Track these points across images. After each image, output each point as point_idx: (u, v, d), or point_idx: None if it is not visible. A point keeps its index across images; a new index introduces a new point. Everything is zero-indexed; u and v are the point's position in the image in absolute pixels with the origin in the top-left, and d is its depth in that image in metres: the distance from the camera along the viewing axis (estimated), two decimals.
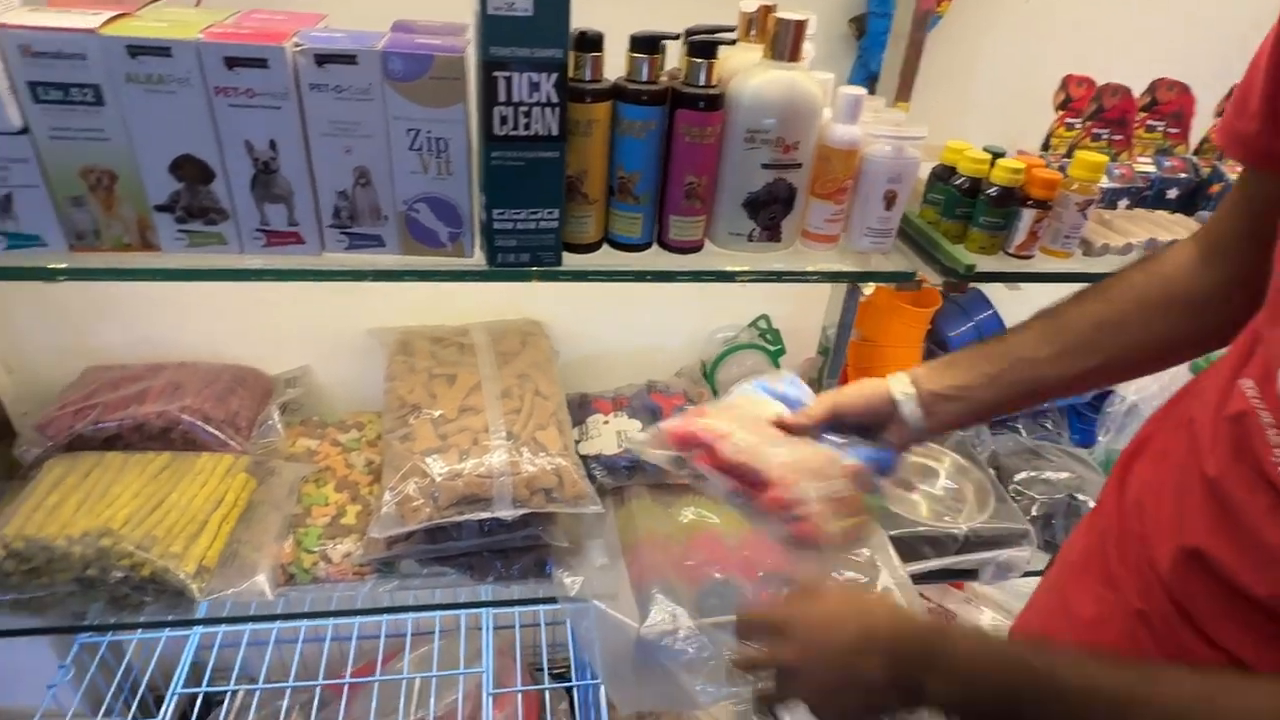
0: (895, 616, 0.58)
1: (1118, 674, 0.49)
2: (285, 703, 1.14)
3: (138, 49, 0.61)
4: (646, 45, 0.70)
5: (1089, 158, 0.82)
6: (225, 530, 0.94)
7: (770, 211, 0.78)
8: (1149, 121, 0.98)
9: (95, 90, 0.62)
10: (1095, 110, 0.93)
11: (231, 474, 0.99)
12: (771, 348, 1.21)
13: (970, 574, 1.08)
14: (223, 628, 1.14)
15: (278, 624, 1.15)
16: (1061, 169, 0.86)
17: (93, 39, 0.60)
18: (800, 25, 0.71)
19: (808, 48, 0.73)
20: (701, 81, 0.71)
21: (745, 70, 0.73)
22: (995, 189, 0.83)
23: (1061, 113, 0.96)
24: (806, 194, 0.79)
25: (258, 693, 1.18)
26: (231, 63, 0.62)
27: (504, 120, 0.66)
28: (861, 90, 0.75)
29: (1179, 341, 0.64)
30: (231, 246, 0.71)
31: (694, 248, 0.80)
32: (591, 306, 1.21)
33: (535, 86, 0.65)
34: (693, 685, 0.87)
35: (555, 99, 0.65)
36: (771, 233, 0.79)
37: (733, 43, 0.71)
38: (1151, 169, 0.95)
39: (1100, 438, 1.27)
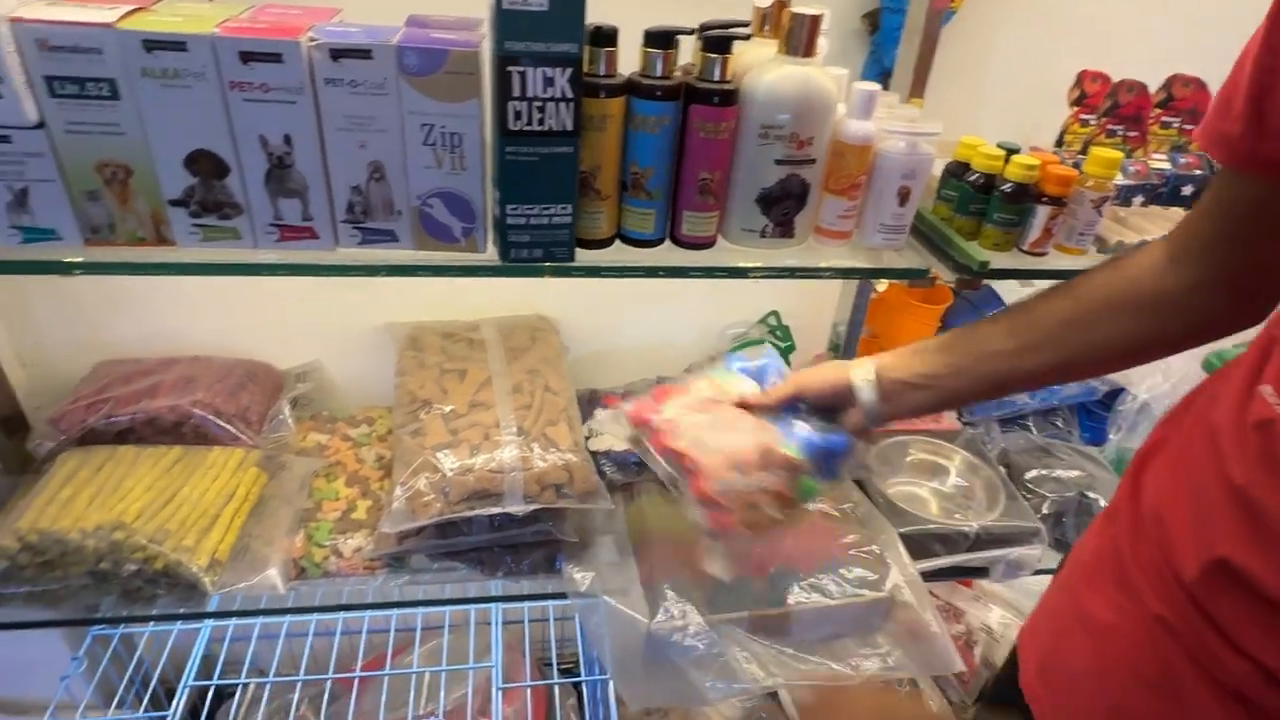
0: None
1: None
2: (296, 696, 1.14)
3: (153, 43, 0.61)
4: (661, 40, 0.70)
5: (1104, 154, 0.82)
6: (237, 524, 0.94)
7: (783, 207, 0.78)
8: (1164, 118, 0.98)
9: (111, 84, 0.62)
10: (1110, 106, 0.93)
11: (243, 468, 0.99)
12: (781, 344, 1.20)
13: (981, 572, 1.07)
14: (234, 621, 1.15)
15: (288, 618, 1.16)
16: (1076, 165, 0.85)
17: (109, 33, 0.60)
18: (815, 20, 0.70)
19: (821, 43, 0.73)
20: (716, 77, 0.71)
21: (760, 65, 0.73)
22: (1010, 185, 0.82)
23: (1076, 109, 0.96)
24: (820, 190, 0.79)
25: (268, 686, 1.18)
26: (246, 57, 0.62)
27: (518, 115, 0.66)
28: (876, 86, 0.75)
29: (1146, 341, 0.64)
30: (245, 241, 0.71)
31: (706, 243, 0.80)
32: (601, 302, 1.21)
33: (550, 81, 0.65)
34: (702, 681, 0.87)
35: (570, 94, 0.65)
36: (784, 229, 0.79)
37: (747, 38, 0.71)
38: (1167, 166, 0.94)
39: (1111, 436, 1.26)
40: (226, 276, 0.71)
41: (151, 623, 1.11)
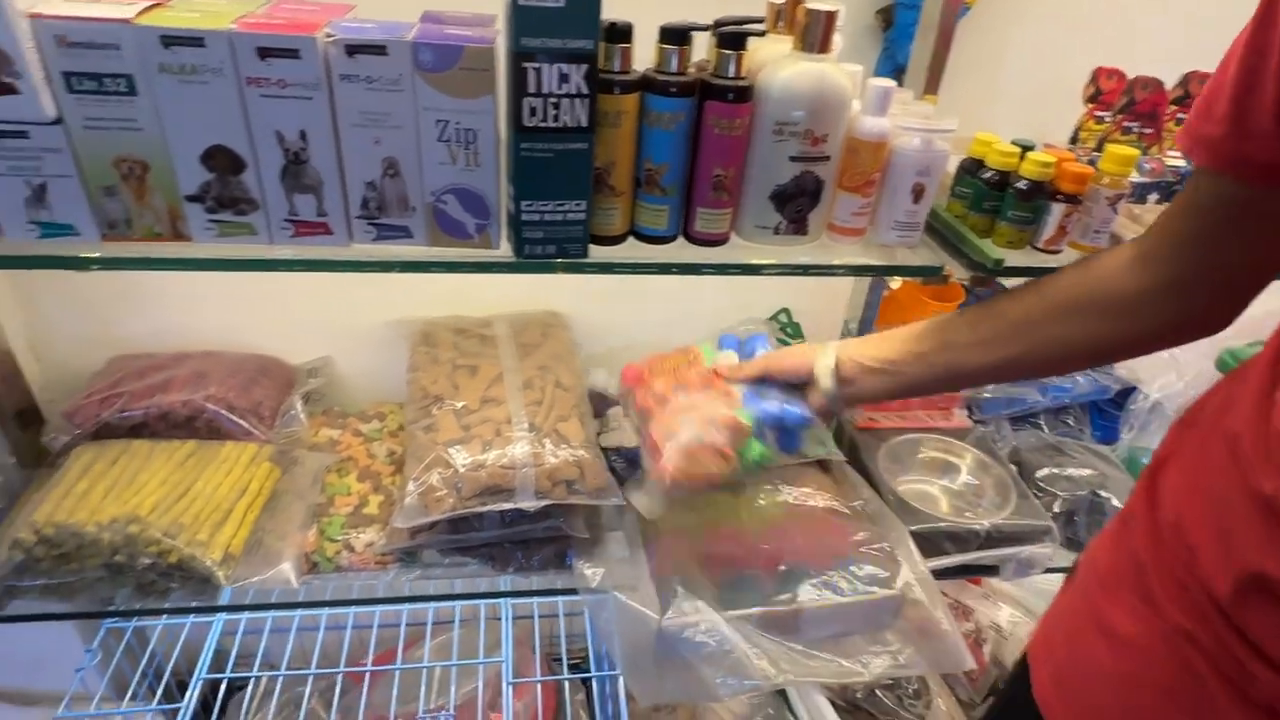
0: None
1: None
2: (307, 689, 1.15)
3: (171, 39, 0.61)
4: (676, 37, 0.69)
5: (1120, 151, 0.81)
6: (250, 519, 0.95)
7: (797, 204, 0.77)
8: (1180, 115, 0.97)
9: (129, 80, 0.62)
10: (1126, 103, 0.92)
11: (256, 463, 1.00)
12: (792, 341, 1.20)
13: (991, 570, 1.07)
14: (246, 615, 1.15)
15: (299, 612, 1.16)
16: (1091, 163, 0.85)
17: (127, 29, 0.60)
18: (831, 17, 0.70)
19: (835, 39, 0.73)
20: (731, 73, 0.71)
21: (774, 62, 0.72)
22: (1025, 183, 0.82)
23: (1091, 106, 0.95)
24: (834, 187, 0.79)
25: (280, 679, 1.19)
26: (264, 53, 0.62)
27: (533, 112, 0.66)
28: (891, 82, 0.75)
29: (1108, 341, 0.64)
30: (261, 237, 0.71)
31: (720, 240, 0.79)
32: (611, 299, 1.21)
33: (565, 78, 0.65)
34: (713, 678, 0.88)
35: (585, 90, 0.65)
36: (798, 226, 0.79)
37: (762, 34, 0.71)
38: (1182, 163, 0.94)
39: (1123, 435, 1.26)
40: (241, 272, 0.72)
41: (165, 616, 1.11)
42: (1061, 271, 0.66)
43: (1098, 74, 0.94)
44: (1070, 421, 1.29)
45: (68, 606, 0.91)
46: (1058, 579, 1.09)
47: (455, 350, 1.09)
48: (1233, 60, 0.51)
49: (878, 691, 1.33)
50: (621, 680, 1.10)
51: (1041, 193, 0.82)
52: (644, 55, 0.71)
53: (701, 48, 0.75)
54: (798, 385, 0.80)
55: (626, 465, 1.05)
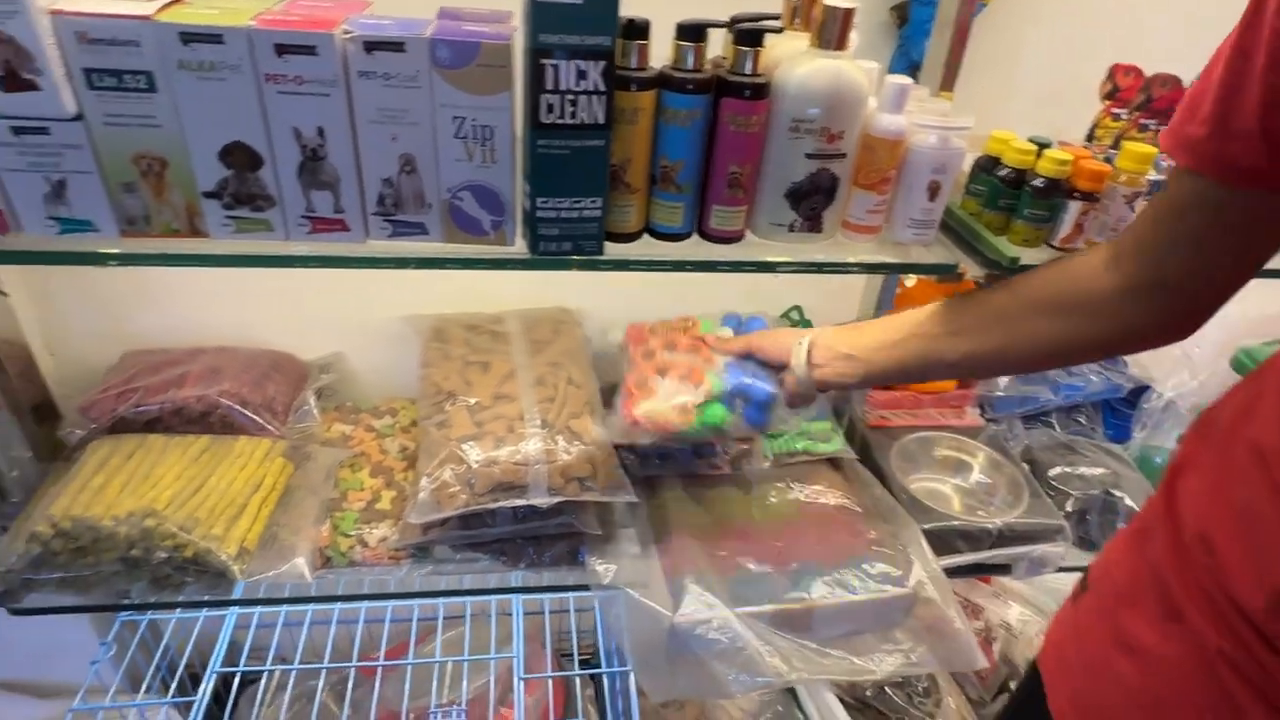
0: None
1: None
2: (320, 683, 1.15)
3: (190, 36, 0.61)
4: (693, 33, 0.69)
5: (1138, 149, 0.81)
6: (264, 513, 0.95)
7: (812, 202, 0.77)
8: None
9: (148, 77, 0.62)
10: (1144, 101, 0.92)
11: (269, 458, 1.00)
12: None
13: (1003, 569, 1.07)
14: (259, 609, 1.16)
15: (312, 606, 1.17)
16: (1108, 160, 0.84)
17: (147, 25, 0.60)
18: (849, 14, 0.70)
19: (851, 36, 0.72)
20: (747, 70, 0.71)
21: (791, 59, 0.72)
22: (1041, 180, 0.82)
23: (1108, 103, 0.95)
24: (849, 184, 0.78)
25: (293, 673, 1.20)
26: (282, 50, 0.62)
27: (550, 108, 0.66)
28: (908, 80, 0.74)
29: (1073, 341, 0.64)
30: (277, 233, 0.72)
31: (734, 238, 0.79)
32: (621, 296, 1.20)
33: (583, 74, 0.64)
34: (725, 675, 0.88)
35: (603, 87, 0.65)
36: (812, 223, 0.79)
37: (780, 31, 0.70)
38: None
39: (1136, 434, 1.25)
40: (257, 268, 0.72)
41: (178, 609, 1.12)
42: (1037, 269, 0.67)
43: (1115, 71, 0.94)
44: (1082, 420, 1.28)
45: (83, 599, 0.92)
46: (1069, 578, 1.09)
47: (467, 346, 1.10)
48: (1219, 63, 0.51)
49: (887, 689, 1.33)
50: (632, 676, 1.11)
51: (1058, 190, 0.82)
52: (659, 52, 0.71)
53: (717, 44, 0.75)
54: (780, 367, 0.84)
55: (638, 462, 1.05)
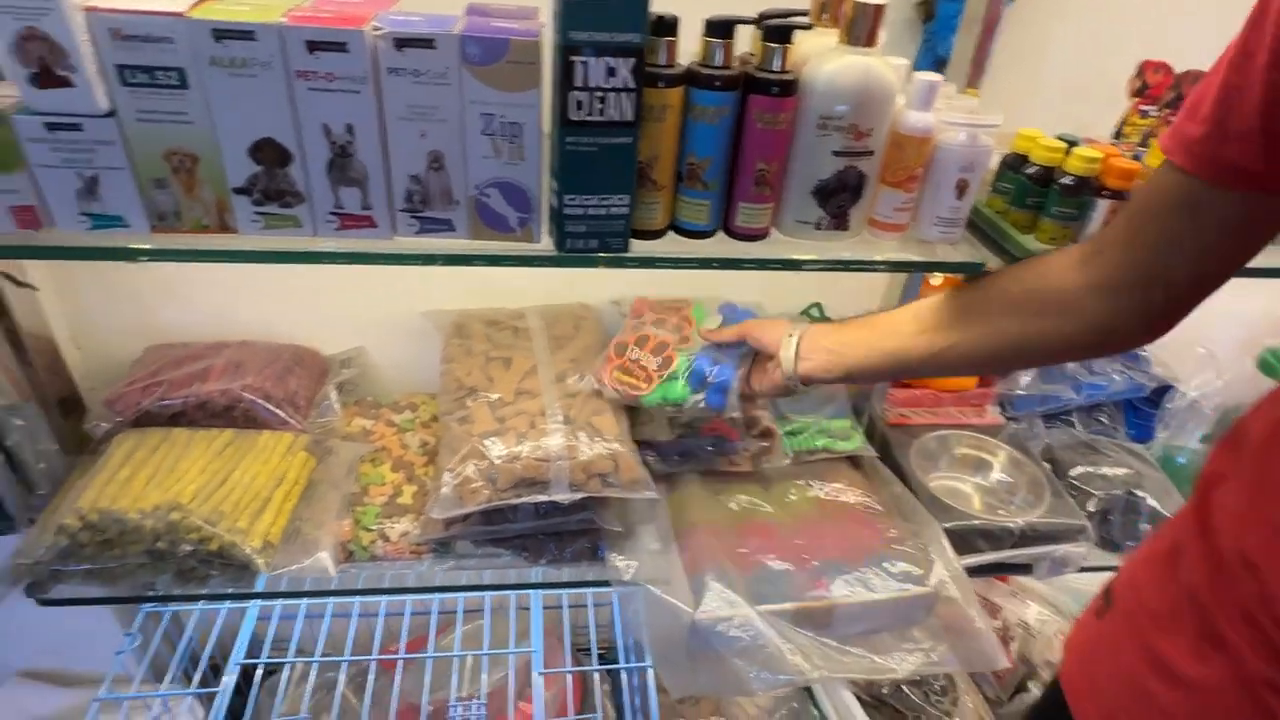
0: None
1: None
2: (341, 676, 1.16)
3: (222, 32, 0.61)
4: (721, 30, 0.69)
5: None
6: (288, 508, 0.96)
7: (839, 200, 0.77)
8: None
9: (180, 73, 0.63)
10: (1174, 98, 0.90)
11: (292, 452, 1.01)
12: None
13: (1024, 569, 1.06)
14: (280, 601, 1.17)
15: (333, 599, 1.18)
16: (1136, 158, 0.83)
17: (180, 22, 0.61)
18: (879, 10, 0.69)
19: (880, 32, 0.72)
20: (776, 66, 0.70)
21: (819, 55, 0.72)
22: (1070, 178, 0.81)
23: (1136, 100, 0.94)
24: (876, 182, 0.78)
25: (314, 665, 1.21)
26: (313, 46, 0.62)
27: (579, 105, 0.66)
28: (938, 77, 0.74)
29: (1042, 339, 0.64)
30: (305, 229, 0.72)
31: (760, 235, 0.79)
32: (642, 290, 1.21)
33: (612, 71, 0.64)
34: (747, 672, 0.88)
35: (632, 84, 0.65)
36: (839, 221, 0.78)
37: (809, 27, 0.70)
38: None
39: (1159, 434, 1.24)
40: (285, 264, 0.72)
41: (200, 601, 1.13)
42: (1012, 267, 0.66)
43: (1144, 67, 0.93)
44: (1104, 419, 1.28)
45: (109, 591, 0.93)
46: (1087, 578, 1.09)
47: (488, 342, 1.10)
48: (1223, 63, 0.50)
49: (904, 687, 1.33)
50: (650, 672, 1.11)
51: (1087, 188, 0.81)
52: (685, 48, 0.71)
53: (744, 40, 0.74)
54: (769, 356, 0.86)
55: (658, 458, 1.05)
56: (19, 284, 0.94)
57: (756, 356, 0.91)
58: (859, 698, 1.29)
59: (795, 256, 0.78)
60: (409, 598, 1.18)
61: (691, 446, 1.06)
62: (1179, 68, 0.92)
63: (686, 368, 0.94)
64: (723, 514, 1.04)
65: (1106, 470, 1.15)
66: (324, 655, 1.14)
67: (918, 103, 0.74)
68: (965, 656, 0.95)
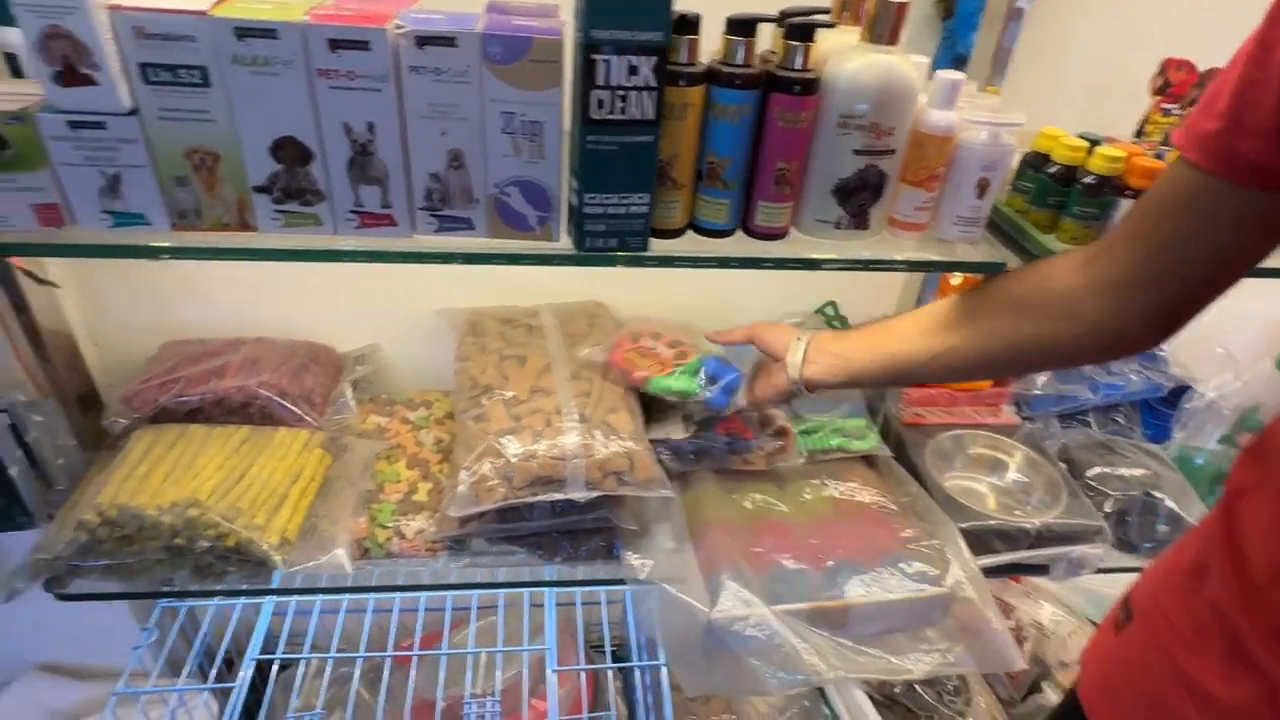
0: None
1: None
2: (356, 671, 1.17)
3: (245, 31, 0.61)
4: (743, 28, 0.69)
5: None
6: (304, 504, 0.96)
7: (860, 199, 0.76)
8: None
9: (202, 72, 0.63)
10: (1198, 97, 0.89)
11: (308, 449, 1.01)
12: None
13: (1041, 569, 1.06)
14: (295, 598, 1.17)
15: (348, 596, 1.18)
16: (1159, 157, 0.83)
17: (203, 21, 0.61)
18: (902, 7, 0.69)
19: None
20: (797, 65, 0.70)
21: (841, 53, 0.71)
22: (1092, 178, 0.80)
23: (1158, 98, 0.93)
24: (897, 181, 0.78)
25: (329, 661, 1.21)
26: (334, 44, 0.62)
27: (601, 104, 0.65)
28: (961, 75, 0.73)
29: (1037, 341, 0.63)
30: (325, 227, 0.72)
31: (779, 234, 0.79)
32: (655, 290, 1.20)
33: (634, 70, 0.64)
34: (763, 671, 0.88)
35: (654, 83, 0.65)
36: (859, 220, 0.78)
37: (833, 26, 0.70)
38: None
39: (1175, 434, 1.23)
40: (305, 263, 0.72)
41: (216, 597, 1.13)
42: (1015, 270, 0.66)
43: (1167, 65, 0.92)
44: (1120, 419, 1.27)
45: (127, 586, 0.93)
46: (1101, 578, 1.08)
47: (503, 340, 1.10)
48: (1241, 57, 0.49)
49: (917, 687, 1.33)
50: (664, 670, 1.11)
51: (1109, 188, 0.80)
52: (705, 46, 0.70)
53: (764, 38, 0.74)
54: (775, 359, 0.87)
55: (672, 456, 1.05)
56: (41, 281, 0.95)
57: (761, 362, 0.91)
58: (871, 697, 1.29)
59: (814, 256, 0.78)
60: (423, 595, 1.18)
61: (706, 445, 1.06)
62: (1202, 66, 0.91)
63: (698, 365, 0.97)
64: (737, 513, 1.04)
65: (1123, 471, 1.14)
66: (339, 651, 1.14)
67: (940, 101, 0.74)
68: (981, 658, 0.95)
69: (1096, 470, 1.14)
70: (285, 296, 1.16)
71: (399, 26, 0.63)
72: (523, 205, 0.72)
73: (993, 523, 1.03)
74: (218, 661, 1.17)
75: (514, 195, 0.71)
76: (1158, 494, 1.10)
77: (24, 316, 0.94)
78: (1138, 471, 1.14)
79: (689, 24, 0.67)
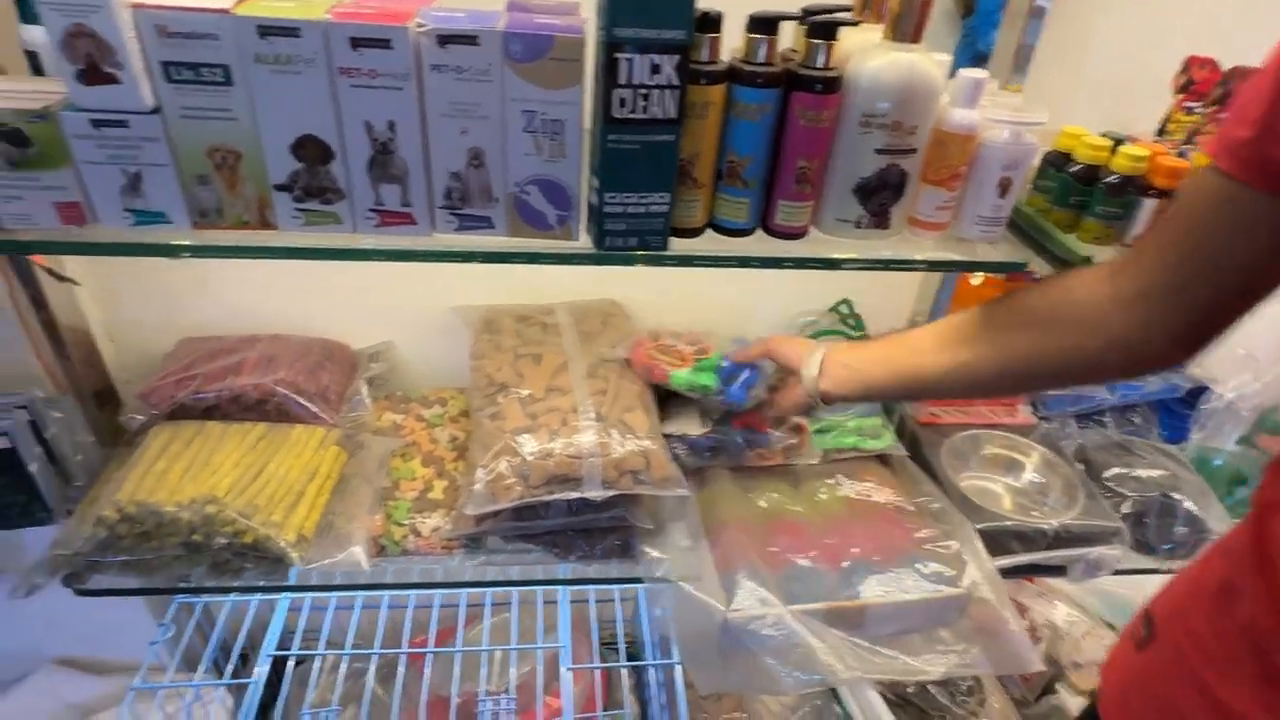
0: None
1: None
2: (371, 668, 1.17)
3: (267, 29, 0.61)
4: (765, 26, 0.68)
5: None
6: (321, 502, 0.96)
7: (881, 198, 0.76)
8: None
9: (225, 70, 0.63)
10: (1221, 95, 0.89)
11: (324, 446, 1.01)
12: (854, 334, 1.19)
13: (1058, 570, 1.05)
14: (310, 594, 1.18)
15: (363, 593, 1.18)
16: (1180, 155, 0.82)
17: (226, 19, 0.61)
18: (926, 5, 0.68)
19: None
20: (820, 63, 0.70)
21: (863, 52, 0.71)
22: (1115, 177, 0.80)
23: (1181, 96, 0.92)
24: (918, 180, 0.77)
25: (345, 657, 1.22)
26: (356, 43, 0.62)
27: (623, 103, 0.65)
28: (984, 73, 0.73)
29: (1057, 356, 0.61)
30: (346, 226, 0.72)
31: (799, 234, 0.78)
32: (669, 289, 1.20)
33: (657, 69, 0.64)
34: (780, 671, 0.88)
35: (676, 81, 0.64)
36: (879, 219, 0.78)
37: (857, 23, 0.69)
38: None
39: (1193, 435, 1.22)
40: (325, 261, 0.72)
41: (233, 593, 1.14)
42: (1038, 283, 0.63)
43: (1190, 63, 0.91)
44: (1137, 420, 1.26)
45: (145, 582, 0.94)
46: (1114, 579, 1.07)
47: (518, 338, 1.10)
48: (1274, 64, 0.48)
49: (930, 687, 1.32)
50: (678, 669, 1.11)
51: (1133, 187, 0.80)
52: (726, 44, 0.70)
53: (785, 36, 0.73)
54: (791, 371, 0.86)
55: (688, 453, 1.05)
56: (61, 279, 0.95)
57: (782, 373, 0.91)
58: (884, 696, 1.28)
59: (834, 255, 0.78)
60: (438, 593, 1.18)
61: (723, 440, 1.05)
62: (1226, 64, 0.90)
63: (719, 361, 0.97)
64: (753, 512, 1.04)
65: (1141, 472, 1.13)
66: (354, 647, 1.15)
67: (963, 100, 0.73)
68: (998, 659, 0.94)
69: (1114, 471, 1.14)
70: (299, 294, 1.16)
71: (421, 25, 0.63)
72: (542, 204, 0.72)
73: (1009, 523, 1.03)
74: (233, 657, 1.18)
75: (534, 194, 0.71)
76: (1176, 495, 1.09)
77: (43, 313, 0.95)
78: (1155, 472, 1.13)
79: (711, 22, 0.67)
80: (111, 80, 0.62)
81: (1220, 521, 1.08)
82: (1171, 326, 0.55)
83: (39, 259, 0.91)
